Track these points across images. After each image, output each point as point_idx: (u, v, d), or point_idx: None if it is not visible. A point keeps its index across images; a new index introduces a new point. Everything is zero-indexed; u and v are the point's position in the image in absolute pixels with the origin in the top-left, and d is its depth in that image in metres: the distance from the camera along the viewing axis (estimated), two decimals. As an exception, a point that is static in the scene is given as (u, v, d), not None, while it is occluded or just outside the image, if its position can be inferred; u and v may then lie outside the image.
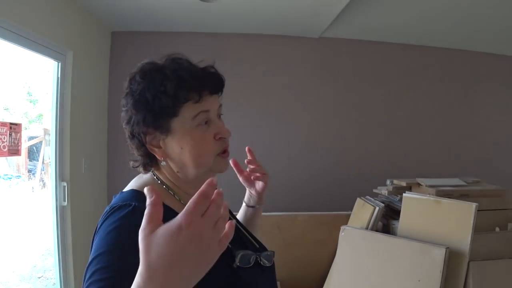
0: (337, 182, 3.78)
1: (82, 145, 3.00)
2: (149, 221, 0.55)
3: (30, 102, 4.00)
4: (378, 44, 3.91)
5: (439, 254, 2.14)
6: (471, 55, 4.11)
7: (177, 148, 0.86)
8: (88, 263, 0.73)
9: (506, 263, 2.21)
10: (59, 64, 2.71)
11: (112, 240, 0.74)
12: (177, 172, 0.90)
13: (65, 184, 2.75)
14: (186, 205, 0.55)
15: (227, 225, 0.59)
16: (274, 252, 1.00)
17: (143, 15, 3.18)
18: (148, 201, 0.56)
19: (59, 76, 2.72)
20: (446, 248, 2.13)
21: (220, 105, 0.93)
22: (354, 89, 3.88)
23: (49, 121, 2.78)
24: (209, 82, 0.88)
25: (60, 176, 2.74)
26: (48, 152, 2.86)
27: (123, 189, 0.92)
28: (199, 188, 0.95)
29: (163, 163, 0.90)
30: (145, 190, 0.57)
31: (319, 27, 3.51)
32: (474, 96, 4.14)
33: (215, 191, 0.58)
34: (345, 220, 2.98)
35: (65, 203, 2.74)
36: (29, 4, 2.29)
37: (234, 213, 1.13)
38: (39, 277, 3.32)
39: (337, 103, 3.86)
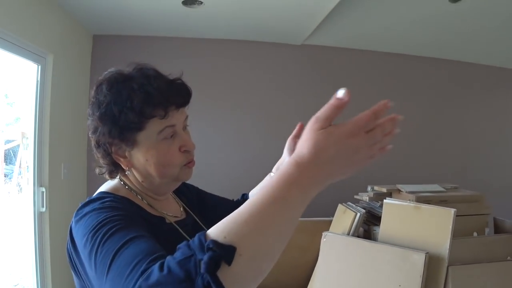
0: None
1: (61, 150, 2.95)
2: (324, 118, 0.63)
3: (7, 104, 3.91)
4: (359, 52, 3.98)
5: (419, 259, 2.17)
6: (450, 64, 4.22)
7: (143, 159, 0.88)
8: (82, 246, 0.72)
9: (484, 267, 2.26)
10: (39, 67, 2.66)
11: (99, 214, 0.74)
12: (142, 181, 0.92)
13: (43, 189, 2.69)
14: (356, 118, 0.62)
15: (380, 151, 0.65)
16: None
17: (125, 18, 3.15)
18: (334, 101, 0.65)
19: (38, 79, 2.67)
20: (426, 253, 2.16)
21: (186, 117, 0.93)
22: (330, 96, 3.93)
23: (27, 124, 2.72)
24: (175, 97, 0.88)
25: (39, 181, 2.68)
26: (25, 156, 2.79)
27: None
28: (163, 195, 0.96)
29: (128, 172, 0.92)
30: (342, 89, 0.64)
31: (302, 34, 3.55)
32: (452, 104, 4.24)
33: (390, 116, 0.65)
34: (327, 226, 2.99)
35: (44, 209, 2.68)
36: (9, 6, 2.24)
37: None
38: (15, 285, 3.22)
39: (318, 109, 3.89)
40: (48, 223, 2.71)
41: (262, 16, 3.11)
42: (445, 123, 4.21)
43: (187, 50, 3.62)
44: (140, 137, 0.85)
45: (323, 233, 2.71)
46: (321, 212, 3.30)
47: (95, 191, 0.94)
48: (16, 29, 2.32)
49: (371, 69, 4.03)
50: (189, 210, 1.07)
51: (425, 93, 4.17)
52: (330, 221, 3.02)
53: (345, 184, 3.63)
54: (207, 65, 3.64)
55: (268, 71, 3.83)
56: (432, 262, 2.17)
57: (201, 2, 2.81)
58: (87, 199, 0.85)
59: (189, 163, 0.92)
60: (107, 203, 0.79)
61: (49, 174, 2.75)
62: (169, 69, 0.94)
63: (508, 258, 2.41)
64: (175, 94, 0.88)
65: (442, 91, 4.22)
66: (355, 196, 3.09)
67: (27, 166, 2.76)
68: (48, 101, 2.74)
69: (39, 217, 2.67)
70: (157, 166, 0.87)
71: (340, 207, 2.97)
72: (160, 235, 0.83)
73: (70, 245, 0.81)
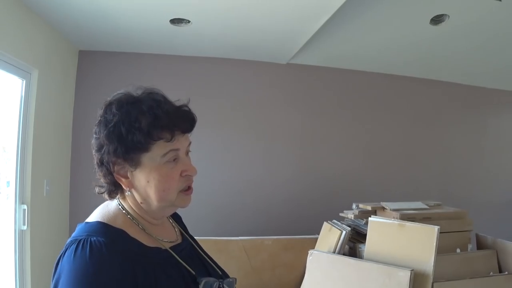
0: (304, 206, 3.82)
1: (44, 166, 2.90)
2: None
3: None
4: (342, 71, 4.05)
5: (404, 276, 2.18)
6: (432, 83, 4.34)
7: (144, 181, 0.89)
8: None
9: (467, 283, 2.30)
10: (24, 82, 2.64)
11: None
12: (141, 203, 0.92)
13: (25, 207, 2.63)
14: None
15: None
16: (236, 279, 1.02)
17: (112, 35, 3.16)
18: None
19: (23, 94, 2.64)
20: (411, 270, 2.18)
21: (189, 143, 0.96)
22: (319, 114, 3.98)
23: (7, 139, 2.67)
24: (182, 122, 0.91)
25: (20, 198, 2.63)
26: (5, 171, 2.73)
27: (85, 213, 0.93)
28: (159, 218, 0.97)
29: (128, 192, 0.92)
30: None
31: (287, 54, 3.61)
32: (434, 123, 4.35)
33: None
34: (312, 244, 2.99)
35: (25, 227, 2.61)
36: (-5, 21, 2.24)
37: (196, 237, 1.14)
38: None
39: (303, 128, 3.94)
40: (29, 242, 2.65)
41: (248, 36, 3.16)
42: (426, 141, 4.30)
43: (174, 68, 3.64)
44: (144, 159, 0.87)
45: (309, 251, 2.71)
46: (306, 230, 3.32)
47: (77, 209, 0.94)
48: (1, 44, 2.31)
49: (354, 89, 4.10)
50: (185, 234, 1.08)
51: (408, 112, 4.26)
52: (316, 239, 3.03)
53: (330, 202, 3.67)
54: (193, 82, 3.66)
55: (254, 89, 3.86)
56: (417, 279, 2.19)
57: (189, 21, 2.85)
58: (82, 228, 0.85)
59: (187, 191, 0.94)
60: (98, 263, 0.77)
61: (31, 191, 2.69)
62: (155, 86, 0.95)
63: (491, 273, 2.45)
64: (182, 119, 0.91)
65: (424, 110, 4.32)
66: (340, 214, 3.11)
67: (7, 181, 2.70)
68: (32, 117, 2.70)
69: (20, 235, 2.60)
70: (157, 189, 0.88)
71: (326, 225, 2.98)
72: (156, 266, 0.85)
73: (53, 277, 0.80)
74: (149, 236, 0.91)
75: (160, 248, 0.91)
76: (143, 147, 0.86)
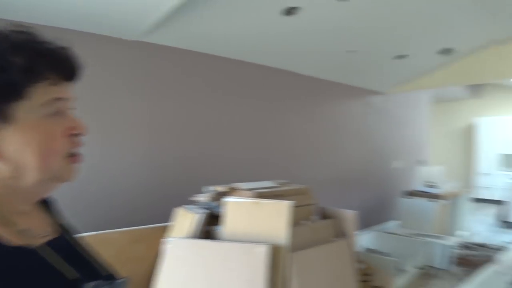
0: (154, 194, 3.61)
1: None
2: None
3: None
4: (197, 54, 3.93)
5: (262, 252, 2.24)
6: (279, 73, 4.63)
7: (19, 143, 0.63)
8: None
9: (318, 250, 2.53)
10: None
11: None
12: (9, 178, 0.65)
13: None
14: None
15: None
16: (128, 277, 0.82)
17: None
18: None
19: None
20: (267, 244, 2.25)
21: (73, 98, 0.75)
22: (168, 98, 3.79)
23: None
24: (69, 63, 0.70)
25: None
26: None
27: None
28: (32, 202, 0.73)
29: None
30: None
31: (139, 28, 3.28)
32: (280, 110, 4.68)
33: None
34: (166, 232, 2.86)
35: None
36: None
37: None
38: None
39: (150, 113, 3.69)
40: None
41: (95, 6, 2.77)
42: (272, 125, 4.58)
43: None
44: (18, 110, 0.62)
45: (164, 239, 2.58)
46: (158, 219, 3.14)
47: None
48: None
49: (206, 72, 4.02)
50: (63, 225, 0.84)
51: (256, 98, 4.43)
52: (169, 227, 2.90)
53: (180, 188, 3.54)
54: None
55: (97, 67, 3.39)
56: (276, 252, 2.27)
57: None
58: None
59: (75, 157, 0.72)
60: None
61: None
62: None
63: (334, 239, 2.73)
64: (68, 60, 0.70)
65: (271, 96, 4.58)
66: (191, 199, 3.04)
67: None
68: None
69: None
70: (38, 153, 0.64)
71: (178, 211, 2.89)
72: (22, 274, 0.60)
73: None
74: (12, 229, 0.64)
75: (27, 248, 0.64)
76: (17, 91, 0.62)
